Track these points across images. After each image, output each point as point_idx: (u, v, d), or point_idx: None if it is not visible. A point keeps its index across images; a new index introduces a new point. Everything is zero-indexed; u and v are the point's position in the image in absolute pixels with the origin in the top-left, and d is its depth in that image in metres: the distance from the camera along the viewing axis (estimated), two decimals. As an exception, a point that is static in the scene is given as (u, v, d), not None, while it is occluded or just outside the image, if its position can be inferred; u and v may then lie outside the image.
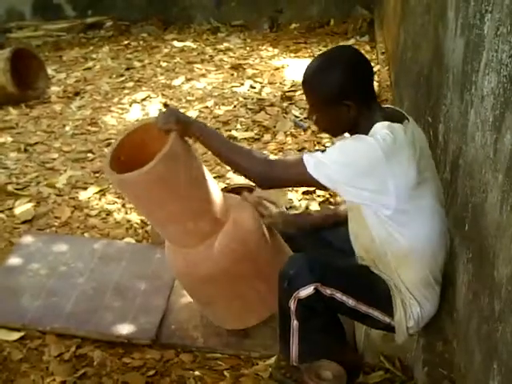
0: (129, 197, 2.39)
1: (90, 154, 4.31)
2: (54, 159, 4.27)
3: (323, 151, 2.03)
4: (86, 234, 3.39)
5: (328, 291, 2.05)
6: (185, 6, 7.21)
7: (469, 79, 2.06)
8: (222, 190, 2.68)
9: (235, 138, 4.31)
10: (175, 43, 6.62)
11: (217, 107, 4.91)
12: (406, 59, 3.97)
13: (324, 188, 2.08)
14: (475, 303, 1.85)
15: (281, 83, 5.32)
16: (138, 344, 2.58)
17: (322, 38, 6.55)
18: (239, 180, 3.64)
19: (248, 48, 6.39)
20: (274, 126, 4.49)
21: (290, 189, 3.58)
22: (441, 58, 2.62)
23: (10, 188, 3.86)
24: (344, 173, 1.95)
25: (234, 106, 4.89)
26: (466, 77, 2.10)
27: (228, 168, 3.78)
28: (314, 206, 3.45)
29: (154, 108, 4.96)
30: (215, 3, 7.15)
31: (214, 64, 5.95)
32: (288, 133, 4.39)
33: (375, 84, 4.91)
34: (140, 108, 5.02)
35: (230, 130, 4.46)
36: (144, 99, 5.19)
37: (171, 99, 5.13)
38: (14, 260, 3.07)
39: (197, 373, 2.44)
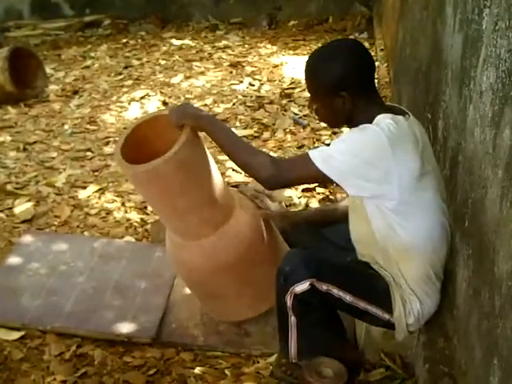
0: (148, 189, 2.33)
1: (89, 153, 4.30)
2: (53, 158, 4.26)
3: (328, 145, 2.04)
4: (85, 233, 3.38)
5: (324, 287, 2.05)
6: (183, 4, 7.20)
7: (467, 75, 2.05)
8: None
9: (234, 136, 4.29)
10: (173, 41, 6.61)
11: (216, 105, 4.91)
12: (404, 56, 3.96)
13: (329, 182, 2.06)
14: (475, 299, 1.85)
15: (280, 80, 5.32)
16: (139, 343, 2.58)
17: (321, 35, 6.54)
18: (238, 178, 3.64)
19: (247, 45, 6.38)
20: (273, 124, 4.48)
21: (290, 186, 3.57)
22: (439, 53, 2.61)
23: (9, 187, 3.86)
24: (352, 163, 1.94)
25: (233, 104, 4.88)
26: (465, 72, 2.10)
27: (227, 166, 3.79)
28: (314, 204, 3.44)
29: (152, 106, 4.96)
30: (213, 1, 7.14)
31: (213, 62, 5.94)
32: (287, 130, 4.38)
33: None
34: (139, 106, 5.02)
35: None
36: (143, 97, 5.18)
37: (170, 97, 5.13)
38: (14, 259, 3.06)
39: (197, 371, 2.44)
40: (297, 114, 4.59)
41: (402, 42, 4.19)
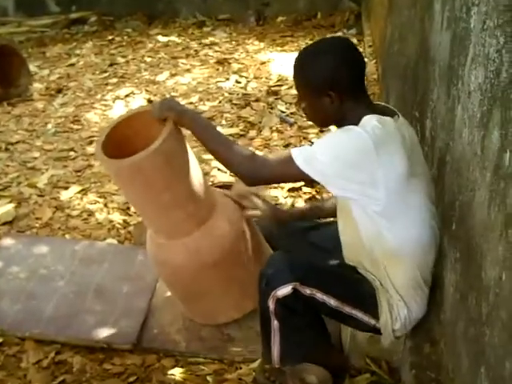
0: (132, 185, 2.26)
1: (72, 153, 4.22)
2: (36, 158, 4.18)
3: (311, 144, 2.00)
4: (67, 236, 3.31)
5: (307, 291, 2.01)
6: (170, 0, 7.11)
7: (455, 74, 2.00)
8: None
9: (220, 135, 4.24)
10: (160, 38, 6.52)
11: (201, 103, 4.83)
12: (393, 52, 3.91)
13: (312, 183, 2.03)
14: (463, 304, 1.80)
15: (267, 78, 5.25)
16: (119, 349, 2.51)
17: (309, 31, 6.47)
18: (224, 177, 3.59)
19: (234, 42, 6.31)
20: (260, 122, 4.41)
21: (276, 185, 3.52)
22: (427, 51, 2.56)
23: (-10, 189, 3.78)
24: (335, 165, 1.89)
25: (219, 102, 4.81)
26: (453, 71, 2.05)
27: (212, 165, 3.74)
28: (300, 203, 3.39)
29: (137, 104, 4.87)
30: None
31: (199, 59, 5.86)
32: (274, 128, 4.32)
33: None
34: (123, 104, 4.94)
35: (215, 126, 4.37)
36: (127, 95, 5.10)
37: (155, 95, 5.05)
38: (-6, 263, 2.99)
39: (179, 378, 2.38)
40: (284, 112, 4.52)
41: (390, 39, 4.14)
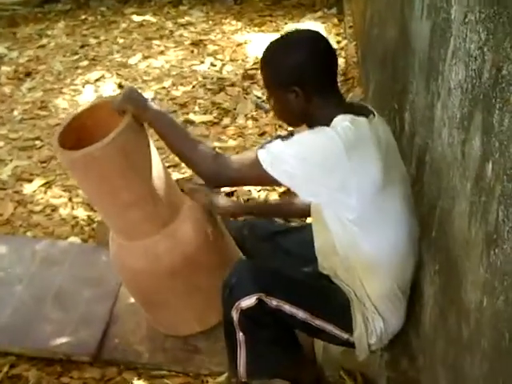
0: (87, 179, 2.12)
1: (37, 142, 4.03)
2: (0, 148, 3.98)
3: (276, 139, 1.86)
4: (28, 233, 3.15)
5: (274, 302, 1.86)
6: (146, -22, 6.85)
7: (435, 68, 1.84)
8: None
9: (193, 123, 4.06)
10: (134, 17, 6.26)
11: (174, 88, 4.63)
12: (372, 36, 3.73)
13: (278, 185, 1.88)
14: (442, 321, 1.66)
15: (243, 60, 5.04)
16: (78, 361, 2.36)
17: (289, 11, 6.24)
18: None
19: (210, 22, 6.07)
20: (235, 109, 4.23)
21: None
22: (407, 39, 2.40)
23: (-50, 182, 3.58)
24: (303, 167, 1.74)
25: (193, 87, 4.61)
26: (433, 64, 1.88)
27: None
28: (274, 198, 3.23)
29: (107, 89, 4.67)
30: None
31: (174, 40, 5.63)
32: (249, 116, 4.14)
33: (342, 60, 4.68)
34: (93, 89, 4.72)
35: (188, 113, 4.19)
36: (98, 79, 4.88)
37: (126, 79, 4.83)
38: None
39: (141, 393, 2.24)
40: (259, 98, 4.32)
41: (370, 22, 3.95)
